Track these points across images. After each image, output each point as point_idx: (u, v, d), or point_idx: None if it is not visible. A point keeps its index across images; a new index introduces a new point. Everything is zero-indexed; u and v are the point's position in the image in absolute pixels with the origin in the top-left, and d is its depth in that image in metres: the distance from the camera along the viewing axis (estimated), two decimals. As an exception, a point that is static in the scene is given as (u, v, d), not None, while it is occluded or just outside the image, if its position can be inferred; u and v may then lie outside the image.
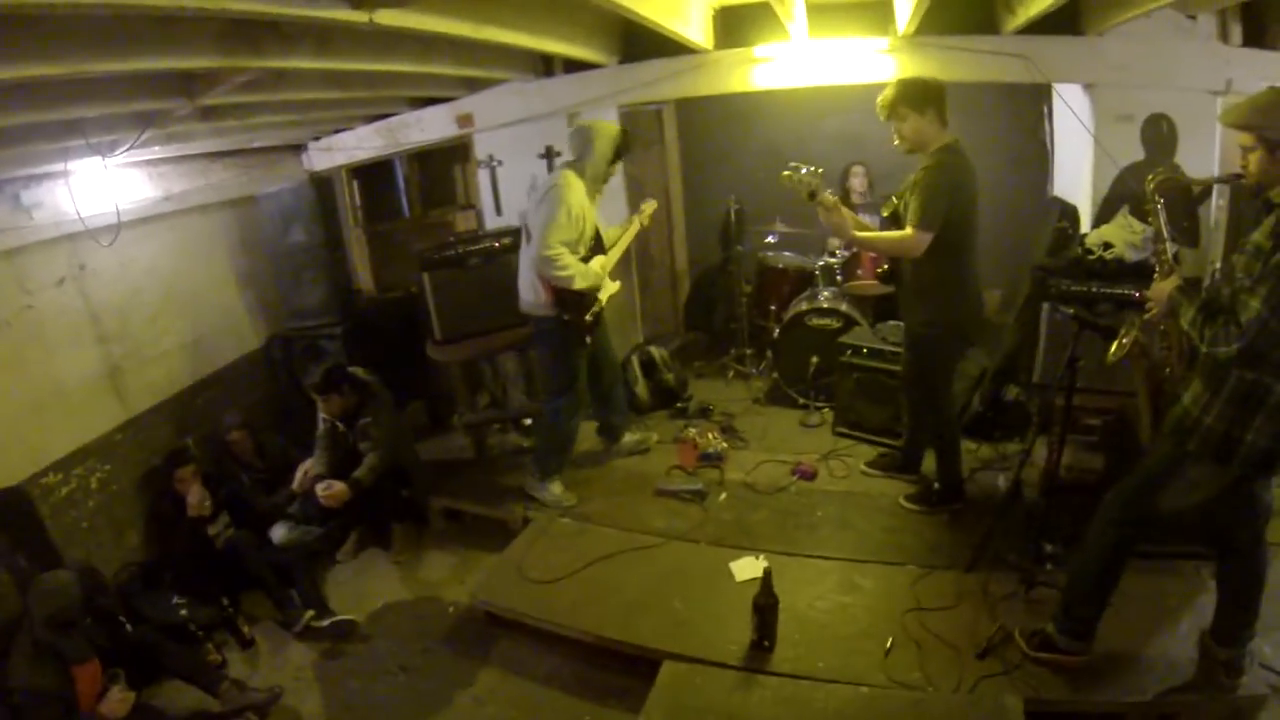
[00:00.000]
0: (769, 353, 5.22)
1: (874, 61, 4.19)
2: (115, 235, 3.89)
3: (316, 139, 5.51)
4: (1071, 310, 3.23)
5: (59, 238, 3.88)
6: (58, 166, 3.65)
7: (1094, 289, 3.48)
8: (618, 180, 5.30)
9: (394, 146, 5.44)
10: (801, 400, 4.91)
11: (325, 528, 4.20)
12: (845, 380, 4.48)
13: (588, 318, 3.86)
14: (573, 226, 3.64)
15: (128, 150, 3.62)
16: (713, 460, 4.38)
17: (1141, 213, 3.66)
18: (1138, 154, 3.88)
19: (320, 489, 3.85)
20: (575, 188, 3.69)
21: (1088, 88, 3.96)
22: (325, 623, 3.62)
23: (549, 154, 5.14)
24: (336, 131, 5.45)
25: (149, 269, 4.53)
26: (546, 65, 4.98)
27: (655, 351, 5.24)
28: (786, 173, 3.17)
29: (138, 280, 4.45)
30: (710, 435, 4.57)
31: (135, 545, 4.11)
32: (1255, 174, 2.20)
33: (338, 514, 4.06)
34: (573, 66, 4.86)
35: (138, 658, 3.17)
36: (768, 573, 2.90)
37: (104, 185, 3.90)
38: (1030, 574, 3.02)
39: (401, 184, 6.40)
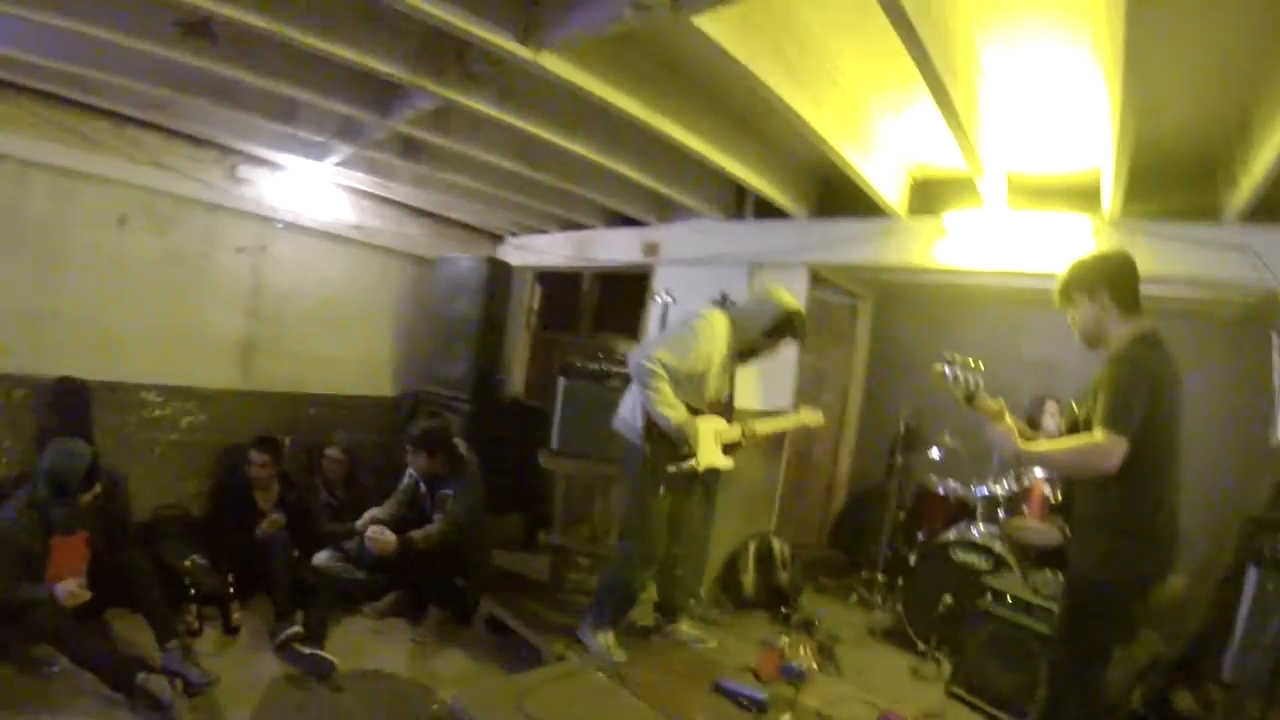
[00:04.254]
0: (900, 581, 4.47)
1: (1076, 244, 3.64)
2: (285, 227, 4.72)
3: (514, 234, 5.82)
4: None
5: (255, 215, 4.60)
6: (273, 154, 4.33)
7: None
8: (789, 365, 4.98)
9: (580, 260, 5.53)
10: (920, 645, 4.08)
11: (366, 575, 4.07)
12: (977, 631, 3.65)
13: (670, 467, 3.44)
14: (687, 358, 3.35)
15: (336, 162, 4.16)
16: (793, 676, 3.69)
17: None
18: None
19: (372, 530, 3.83)
20: (717, 330, 3.44)
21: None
22: (307, 650, 3.41)
23: (723, 301, 4.95)
24: (533, 234, 5.75)
25: (320, 279, 5.09)
26: (738, 206, 4.93)
27: (776, 543, 4.68)
28: (939, 366, 2.67)
29: (307, 283, 5.01)
30: (802, 650, 3.89)
31: (192, 494, 4.49)
32: None
33: (384, 569, 3.99)
34: (763, 214, 4.76)
35: (119, 579, 3.21)
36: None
37: (309, 190, 4.62)
38: None
39: (581, 301, 6.33)
